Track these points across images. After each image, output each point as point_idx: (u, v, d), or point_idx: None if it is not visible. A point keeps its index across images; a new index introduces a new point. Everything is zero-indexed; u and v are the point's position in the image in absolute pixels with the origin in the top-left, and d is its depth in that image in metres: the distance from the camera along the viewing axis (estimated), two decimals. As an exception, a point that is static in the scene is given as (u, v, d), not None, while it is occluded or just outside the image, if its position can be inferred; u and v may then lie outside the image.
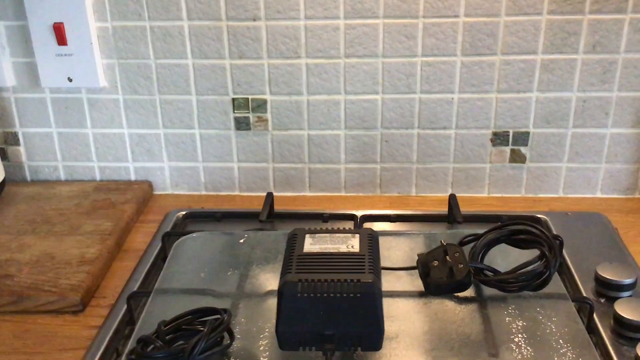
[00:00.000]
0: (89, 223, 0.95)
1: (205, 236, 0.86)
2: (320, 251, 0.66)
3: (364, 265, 0.64)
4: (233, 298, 0.74)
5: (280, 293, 0.62)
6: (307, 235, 0.69)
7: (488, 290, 0.73)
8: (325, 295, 0.61)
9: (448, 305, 0.72)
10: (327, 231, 0.70)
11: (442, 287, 0.71)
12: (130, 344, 0.67)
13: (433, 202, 1.04)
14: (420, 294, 0.73)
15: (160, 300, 0.74)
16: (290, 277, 0.62)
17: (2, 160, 1.05)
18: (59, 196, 1.03)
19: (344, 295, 0.61)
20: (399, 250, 0.82)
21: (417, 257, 0.74)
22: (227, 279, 0.77)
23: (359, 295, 0.61)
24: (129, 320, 0.77)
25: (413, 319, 0.70)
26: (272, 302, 0.70)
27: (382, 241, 0.82)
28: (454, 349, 0.66)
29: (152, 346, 0.62)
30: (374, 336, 0.63)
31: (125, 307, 0.77)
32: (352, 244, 0.68)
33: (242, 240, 0.84)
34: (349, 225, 0.96)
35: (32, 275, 0.82)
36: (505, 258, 0.76)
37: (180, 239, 0.85)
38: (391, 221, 0.98)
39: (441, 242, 0.73)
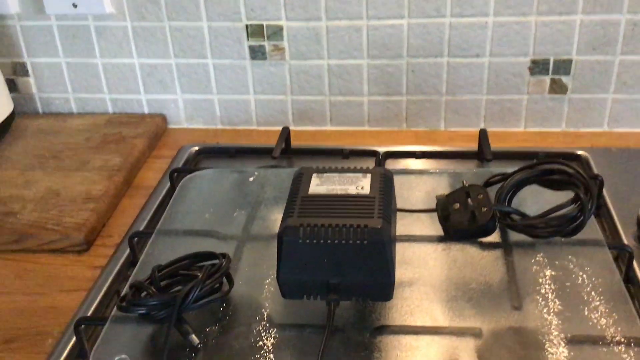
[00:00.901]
0: (98, 158, 0.91)
1: (214, 174, 0.81)
2: (327, 193, 0.60)
3: (373, 209, 0.58)
4: (238, 241, 0.69)
5: (280, 238, 0.57)
6: (314, 175, 0.63)
7: (515, 236, 0.66)
8: (329, 242, 0.56)
9: (469, 251, 0.65)
10: (336, 170, 0.64)
11: (463, 232, 0.65)
12: (126, 289, 0.63)
13: (463, 137, 0.96)
14: (440, 239, 0.67)
15: (161, 241, 0.70)
16: (291, 222, 0.57)
17: (12, 92, 1.01)
18: (69, 130, 0.99)
19: (350, 242, 0.55)
20: (420, 190, 0.76)
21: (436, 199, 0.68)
22: (232, 220, 0.72)
23: (366, 242, 0.55)
24: (132, 261, 0.73)
25: (430, 265, 0.64)
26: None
27: (402, 180, 0.76)
28: (472, 299, 0.60)
29: (144, 292, 0.58)
30: (384, 287, 0.57)
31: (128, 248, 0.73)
32: (363, 185, 0.61)
33: (251, 179, 0.79)
34: (370, 163, 0.90)
35: (35, 213, 0.79)
36: (536, 200, 0.69)
37: (187, 177, 0.80)
38: (416, 157, 0.91)
39: (463, 182, 0.66)
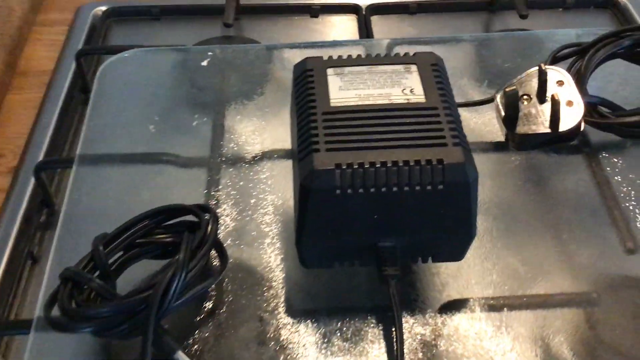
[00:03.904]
0: (-42, 34, 0.62)
1: (146, 56, 0.55)
2: (361, 104, 0.38)
3: (442, 130, 0.37)
4: (207, 168, 0.46)
5: (305, 189, 0.35)
6: (331, 72, 0.41)
7: (596, 135, 0.48)
8: (383, 190, 0.35)
9: (545, 164, 0.47)
10: (360, 61, 0.41)
11: (537, 139, 0.45)
12: (52, 262, 0.40)
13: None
14: (497, 147, 0.48)
15: (89, 177, 0.46)
16: (319, 160, 0.35)
17: None
18: None
19: (417, 188, 0.35)
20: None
21: (496, 90, 0.48)
22: (192, 132, 0.49)
23: (441, 187, 0.35)
24: (43, 201, 0.50)
25: (495, 192, 0.45)
26: (276, 171, 0.44)
27: (407, 51, 0.55)
28: (565, 244, 0.43)
29: (86, 290, 0.36)
30: (459, 243, 0.38)
31: (33, 180, 0.49)
32: (410, 84, 0.40)
33: (205, 62, 0.54)
34: (350, 22, 0.67)
35: None
36: (619, 84, 0.50)
37: (106, 63, 0.54)
38: (410, 13, 0.68)
39: (540, 66, 0.45)
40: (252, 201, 0.44)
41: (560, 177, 0.46)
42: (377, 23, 0.67)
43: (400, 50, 0.56)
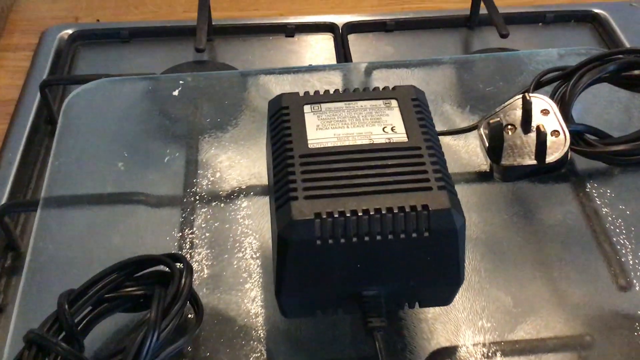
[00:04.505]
0: None
1: (113, 86, 0.52)
2: (340, 144, 0.36)
3: (425, 172, 0.35)
4: (181, 207, 0.44)
5: (284, 240, 0.33)
6: (307, 108, 0.39)
7: (583, 163, 0.47)
8: (366, 239, 0.33)
9: (531, 195, 0.45)
10: (338, 97, 0.40)
11: (523, 170, 0.44)
12: (15, 326, 0.38)
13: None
14: (482, 177, 0.46)
15: (54, 222, 0.43)
16: (296, 210, 0.33)
17: None
18: None
19: (402, 236, 0.33)
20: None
21: (479, 118, 0.46)
22: (164, 169, 0.46)
23: (427, 234, 0.33)
24: (8, 245, 0.47)
25: (484, 224, 0.43)
26: (254, 209, 0.43)
27: (387, 76, 0.53)
28: (560, 279, 0.41)
29: (53, 355, 0.33)
30: (446, 289, 0.37)
31: (-2, 225, 0.47)
32: (391, 122, 0.38)
33: (176, 92, 0.51)
34: (327, 41, 0.65)
35: None
36: (603, 107, 0.49)
37: (72, 95, 0.51)
38: (387, 31, 0.66)
39: (524, 95, 0.44)
40: (229, 244, 0.42)
41: (548, 209, 0.44)
42: (354, 42, 0.65)
43: (379, 74, 0.55)
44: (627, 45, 0.64)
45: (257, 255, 0.41)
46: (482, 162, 0.47)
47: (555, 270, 0.41)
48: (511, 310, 0.39)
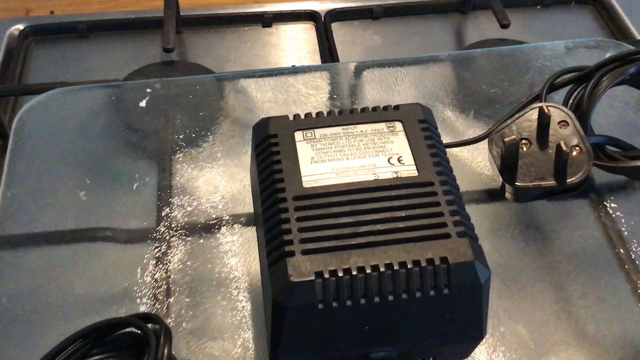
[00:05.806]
0: None
1: (71, 97, 0.46)
2: (340, 182, 0.31)
3: (442, 213, 0.30)
4: (154, 246, 0.38)
5: (279, 305, 0.28)
6: (299, 136, 0.33)
7: (603, 175, 0.42)
8: (377, 300, 0.28)
9: (546, 218, 0.41)
10: (334, 120, 0.34)
11: (540, 190, 0.39)
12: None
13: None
14: (493, 195, 0.41)
15: (7, 266, 0.37)
16: (294, 270, 0.28)
17: None
18: None
19: (417, 295, 0.28)
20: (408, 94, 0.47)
21: (488, 129, 0.41)
22: (132, 197, 0.41)
23: (446, 292, 0.29)
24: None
25: (498, 250, 0.39)
26: (238, 243, 0.38)
27: (379, 77, 0.47)
28: (586, 320, 0.37)
29: None
30: (465, 345, 0.32)
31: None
32: (397, 150, 0.33)
33: (143, 102, 0.45)
34: (308, 30, 0.59)
35: None
36: (618, 112, 0.44)
37: (23, 110, 0.44)
38: (374, 18, 0.60)
39: (541, 108, 0.39)
40: (212, 289, 0.37)
41: (566, 232, 0.40)
42: (339, 31, 0.59)
43: (371, 75, 0.49)
44: (632, 28, 0.60)
45: (246, 297, 0.36)
46: (490, 177, 0.42)
47: (577, 298, 0.36)
48: (529, 342, 0.35)
